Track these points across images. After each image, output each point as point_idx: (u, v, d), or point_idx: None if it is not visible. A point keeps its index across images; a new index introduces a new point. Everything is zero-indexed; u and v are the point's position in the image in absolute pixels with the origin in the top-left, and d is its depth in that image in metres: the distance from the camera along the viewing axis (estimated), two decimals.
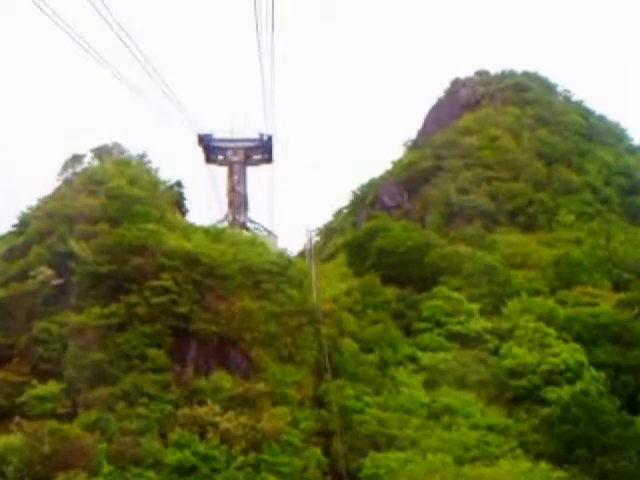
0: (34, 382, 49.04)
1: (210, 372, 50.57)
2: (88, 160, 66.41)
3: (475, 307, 65.88)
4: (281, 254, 64.08)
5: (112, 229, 55.73)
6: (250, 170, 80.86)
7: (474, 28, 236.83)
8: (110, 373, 49.24)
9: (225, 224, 74.42)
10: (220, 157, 79.50)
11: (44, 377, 49.49)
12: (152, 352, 50.24)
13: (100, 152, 66.05)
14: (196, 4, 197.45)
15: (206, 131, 76.75)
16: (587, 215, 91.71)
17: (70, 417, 47.29)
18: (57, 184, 64.82)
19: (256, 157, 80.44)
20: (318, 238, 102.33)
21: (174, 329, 51.46)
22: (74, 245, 53.81)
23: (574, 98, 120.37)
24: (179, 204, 73.45)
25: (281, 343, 53.77)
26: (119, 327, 51.23)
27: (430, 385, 57.12)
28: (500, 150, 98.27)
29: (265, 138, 77.19)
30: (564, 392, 55.11)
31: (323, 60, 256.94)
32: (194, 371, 50.56)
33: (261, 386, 50.00)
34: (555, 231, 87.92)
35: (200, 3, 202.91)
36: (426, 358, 59.76)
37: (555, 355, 58.74)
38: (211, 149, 77.87)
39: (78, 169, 64.62)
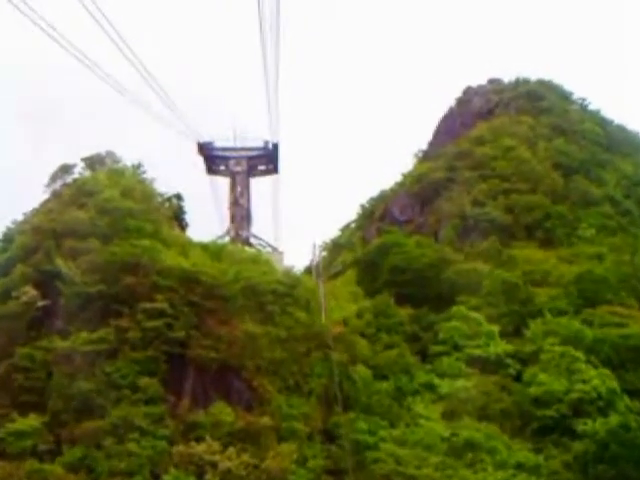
0: (13, 415, 45.39)
1: (209, 404, 47.24)
2: (79, 170, 62.88)
3: (495, 329, 61.71)
4: (287, 272, 61.06)
5: (102, 245, 52.66)
6: (254, 181, 77.97)
7: (483, 36, 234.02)
8: (98, 405, 45.90)
9: (227, 240, 70.41)
10: (222, 167, 76.93)
11: (25, 410, 45.93)
12: (145, 381, 46.88)
13: (92, 161, 62.47)
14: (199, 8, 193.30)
15: (207, 139, 72.61)
16: (608, 229, 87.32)
17: (53, 455, 44.22)
18: (45, 196, 61.25)
19: (260, 167, 77.85)
20: (325, 253, 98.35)
21: (169, 356, 48.27)
22: (61, 263, 50.51)
23: (590, 107, 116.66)
24: (178, 218, 70.18)
25: (287, 371, 50.61)
26: (109, 354, 48.00)
27: (449, 416, 52.87)
28: (516, 161, 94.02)
29: (270, 147, 73.38)
30: (599, 424, 50.50)
31: (330, 67, 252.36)
32: (191, 403, 47.34)
33: (265, 420, 46.68)
34: (575, 246, 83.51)
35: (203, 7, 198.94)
36: (445, 386, 55.57)
37: (585, 382, 54.37)
38: (212, 159, 74.97)
39: (68, 180, 60.53)
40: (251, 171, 76.65)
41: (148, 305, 48.89)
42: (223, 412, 46.26)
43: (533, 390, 54.81)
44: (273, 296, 53.51)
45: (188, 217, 71.97)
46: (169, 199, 66.96)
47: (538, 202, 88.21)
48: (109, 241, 52.99)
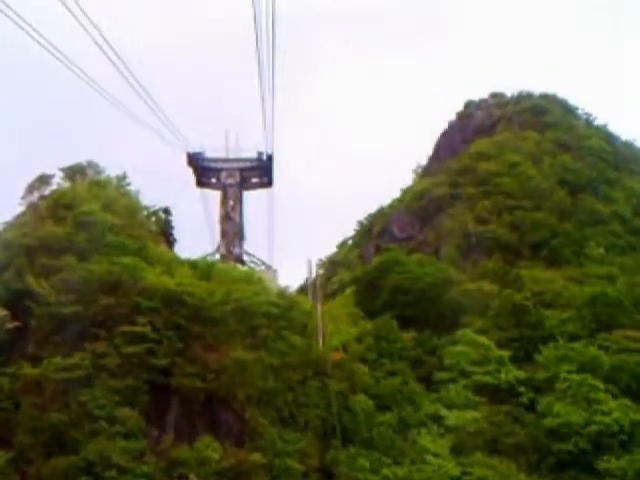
0: None
1: (194, 438, 43.34)
2: (57, 181, 58.50)
3: (505, 354, 57.84)
4: (281, 293, 57.56)
5: (79, 263, 48.56)
6: (247, 195, 74.49)
7: (483, 50, 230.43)
8: (71, 439, 41.81)
9: (217, 257, 66.53)
10: (213, 180, 73.72)
11: None
12: (123, 413, 42.77)
13: (72, 172, 58.23)
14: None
15: (197, 149, 69.03)
16: (617, 248, 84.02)
17: None
18: (21, 209, 57.13)
19: (254, 180, 74.58)
20: (321, 271, 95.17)
21: (151, 385, 44.29)
22: (32, 282, 46.32)
23: (596, 122, 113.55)
24: (166, 233, 66.62)
25: (281, 402, 46.91)
26: (84, 382, 43.74)
27: (458, 450, 48.76)
28: (521, 177, 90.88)
29: (264, 158, 69.82)
30: (624, 462, 46.49)
31: (323, 82, 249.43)
32: (175, 437, 43.40)
33: (257, 456, 42.91)
34: (584, 266, 79.85)
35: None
36: (452, 417, 51.30)
37: (605, 413, 50.39)
38: (203, 170, 71.77)
39: (45, 192, 56.42)
40: (244, 184, 73.40)
41: (128, 328, 45.23)
42: (210, 447, 42.57)
43: (548, 422, 50.80)
44: (266, 319, 50.33)
45: (177, 233, 68.55)
46: (155, 213, 62.98)
47: (544, 220, 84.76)
48: (87, 258, 49.13)
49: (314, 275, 69.37)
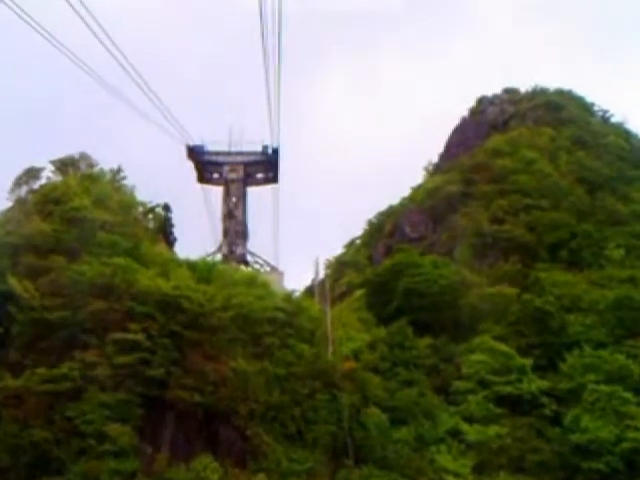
0: None
1: (192, 457, 40.74)
2: (48, 175, 55.82)
3: (527, 362, 54.72)
4: (288, 297, 54.28)
5: (68, 263, 45.79)
6: (251, 191, 71.71)
7: (495, 45, 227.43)
8: (56, 458, 39.17)
9: (218, 257, 63.39)
10: (215, 175, 71.05)
11: None
12: (114, 429, 39.87)
13: (63, 165, 55.23)
14: None
15: (198, 142, 66.06)
16: (638, 249, 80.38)
17: None
18: (8, 204, 54.61)
19: (258, 175, 71.80)
20: (328, 272, 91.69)
21: (145, 398, 41.53)
22: (15, 284, 43.23)
23: (613, 119, 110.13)
24: (165, 232, 63.63)
25: (287, 417, 43.97)
26: (71, 395, 41.05)
27: (480, 469, 45.62)
28: (537, 175, 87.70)
29: (270, 152, 66.75)
30: None
31: (329, 77, 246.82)
32: (170, 456, 40.84)
33: (261, 477, 40.50)
34: (604, 268, 76.71)
35: None
36: (473, 433, 48.06)
37: (638, 429, 47.13)
38: (204, 164, 68.65)
39: (35, 186, 53.27)
40: (248, 179, 70.59)
41: (120, 336, 42.37)
42: (209, 467, 39.73)
43: (576, 438, 47.37)
44: (270, 326, 47.68)
45: (178, 231, 65.80)
46: (152, 209, 59.69)
47: (562, 220, 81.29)
48: (76, 258, 46.43)
49: (322, 277, 66.62)
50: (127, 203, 56.24)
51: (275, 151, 68.62)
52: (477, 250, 78.95)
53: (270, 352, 46.34)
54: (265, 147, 69.46)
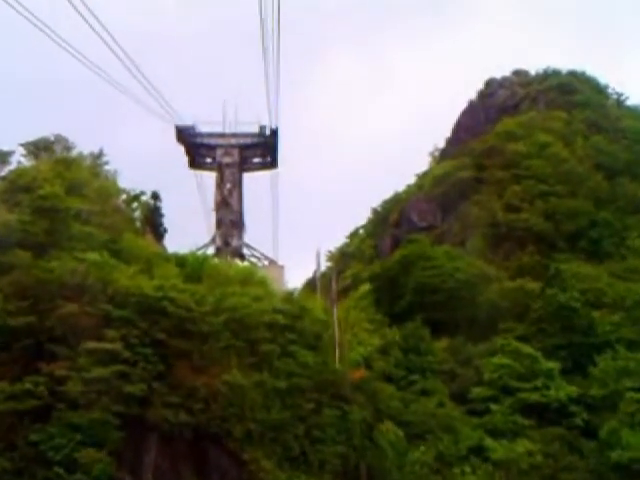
0: None
1: None
2: (18, 159, 51.56)
3: (555, 366, 50.37)
4: (289, 297, 49.63)
5: (35, 260, 40.81)
6: (247, 177, 67.58)
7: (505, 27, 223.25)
8: None
9: (211, 250, 58.82)
10: (208, 159, 67.16)
11: None
12: (87, 455, 35.32)
13: (36, 148, 50.50)
14: None
15: (188, 122, 61.86)
16: None
17: None
18: None
19: (255, 159, 68.20)
20: (330, 264, 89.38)
21: (123, 419, 36.94)
22: None
23: (628, 102, 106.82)
24: (154, 223, 59.64)
25: (290, 437, 39.35)
26: (37, 415, 36.39)
27: None
28: (552, 160, 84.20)
29: (267, 133, 64.85)
30: None
31: (333, 63, 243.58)
32: None
33: None
34: (626, 259, 73.15)
35: None
36: (500, 450, 43.10)
37: None
38: (196, 147, 65.04)
39: (3, 171, 49.25)
40: (244, 164, 66.60)
41: (95, 345, 37.94)
42: None
43: (617, 455, 42.42)
44: (269, 331, 42.92)
45: (168, 221, 61.96)
46: (135, 197, 54.81)
47: (581, 207, 78.04)
48: (44, 254, 41.53)
49: (326, 270, 62.34)
50: (107, 190, 51.79)
51: (274, 132, 64.71)
52: (491, 240, 75.82)
53: (269, 362, 41.86)
54: (263, 128, 65.68)
